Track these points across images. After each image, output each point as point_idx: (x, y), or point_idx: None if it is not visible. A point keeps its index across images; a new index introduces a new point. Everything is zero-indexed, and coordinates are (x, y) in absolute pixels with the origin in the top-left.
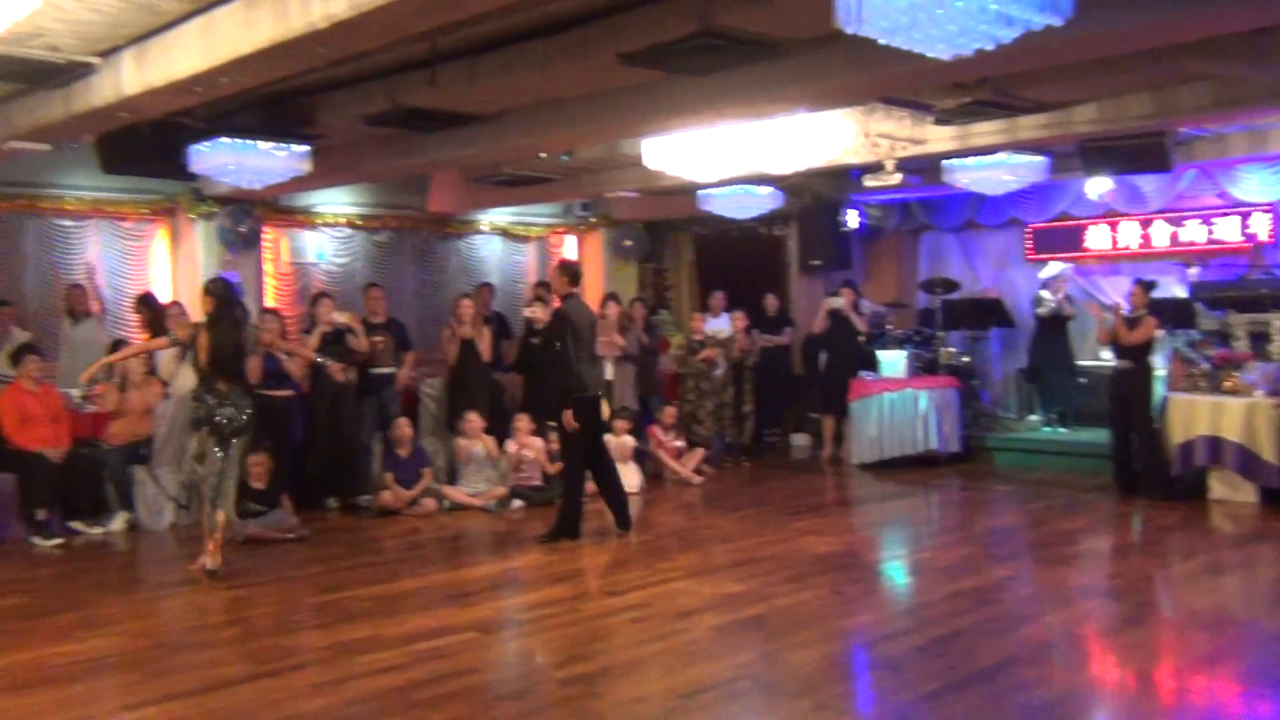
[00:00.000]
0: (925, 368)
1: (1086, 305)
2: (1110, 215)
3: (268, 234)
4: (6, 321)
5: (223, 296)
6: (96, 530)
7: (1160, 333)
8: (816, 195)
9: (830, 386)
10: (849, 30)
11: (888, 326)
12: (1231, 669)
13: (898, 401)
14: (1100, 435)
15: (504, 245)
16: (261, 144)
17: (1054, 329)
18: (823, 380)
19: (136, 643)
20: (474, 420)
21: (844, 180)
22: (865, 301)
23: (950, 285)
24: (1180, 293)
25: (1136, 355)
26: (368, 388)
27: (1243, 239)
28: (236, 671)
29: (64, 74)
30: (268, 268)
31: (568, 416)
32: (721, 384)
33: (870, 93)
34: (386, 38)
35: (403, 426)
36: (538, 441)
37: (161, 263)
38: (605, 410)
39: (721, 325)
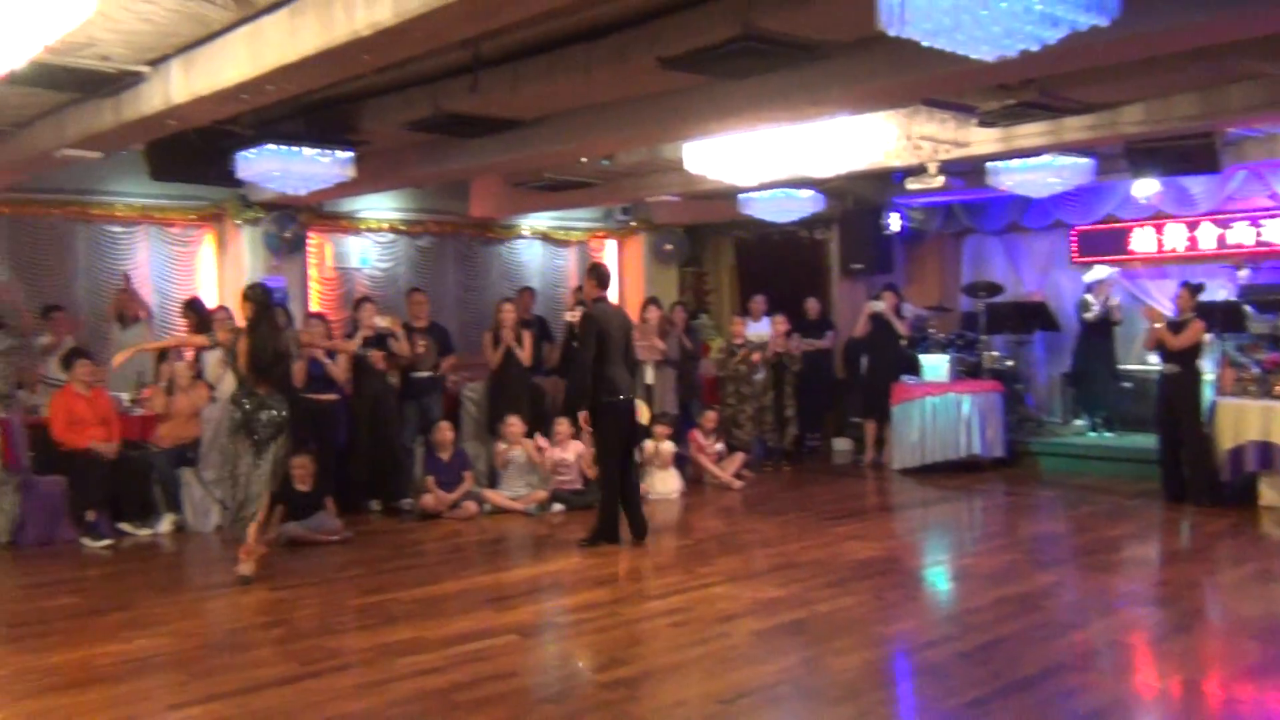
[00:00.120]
0: (968, 372)
1: (1144, 311)
2: (1157, 217)
3: (312, 239)
4: (58, 327)
5: (261, 302)
6: (144, 531)
7: (1208, 336)
8: (858, 198)
9: (872, 391)
10: (892, 32)
11: (930, 330)
12: None
13: (940, 406)
14: (1147, 440)
15: (545, 250)
16: (306, 150)
17: (1099, 333)
18: (864, 384)
19: (182, 643)
20: (515, 424)
21: (886, 183)
22: (907, 305)
23: (994, 289)
24: (1229, 296)
25: (1184, 359)
26: (410, 391)
27: None
28: (280, 672)
29: (114, 83)
30: (312, 273)
31: (583, 417)
32: (762, 388)
33: (913, 95)
34: (429, 44)
35: (444, 430)
36: (577, 445)
37: (208, 268)
38: (645, 415)
39: (762, 329)
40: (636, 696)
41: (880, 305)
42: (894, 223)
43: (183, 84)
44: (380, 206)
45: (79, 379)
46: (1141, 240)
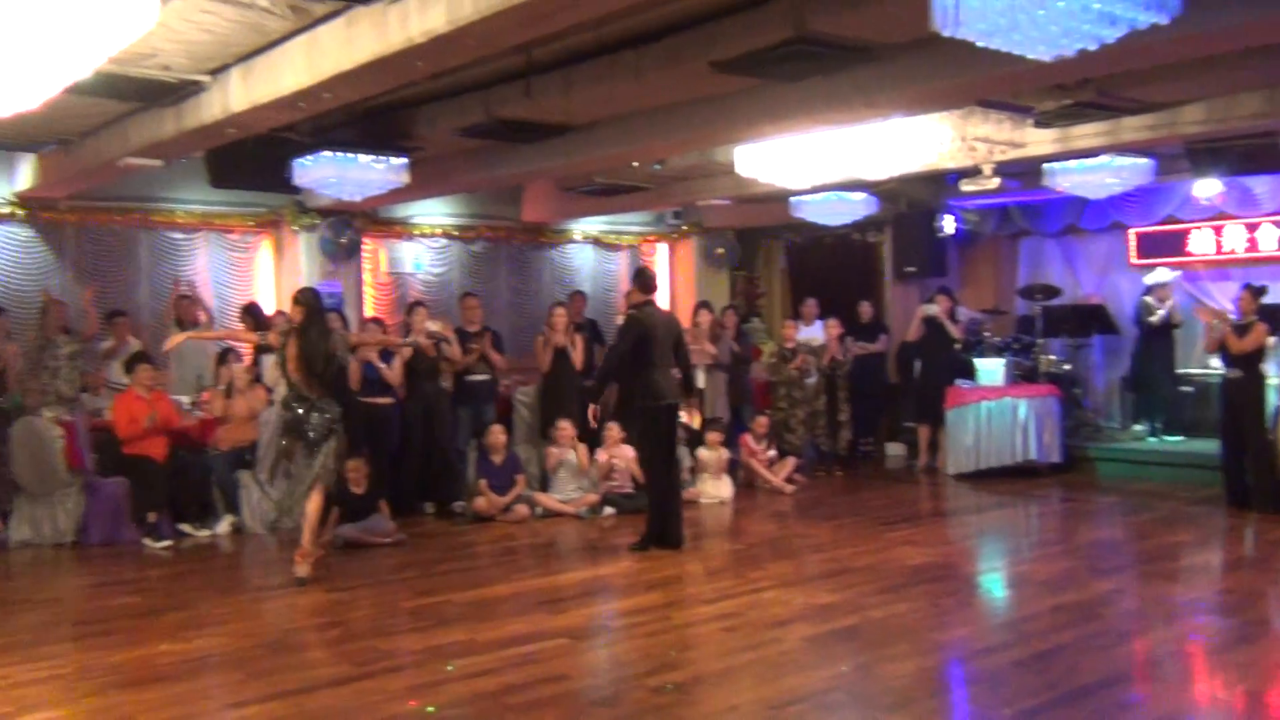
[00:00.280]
0: (1025, 376)
1: (1196, 311)
2: (1218, 218)
3: (367, 245)
4: (122, 332)
5: (312, 305)
6: (203, 533)
7: (1272, 340)
8: (912, 201)
9: (925, 395)
10: (946, 33)
11: (985, 334)
12: None
13: (995, 410)
14: (1208, 446)
15: (596, 254)
16: (362, 157)
17: (1159, 336)
18: (917, 388)
19: (240, 643)
20: (566, 427)
21: (940, 185)
22: (961, 309)
23: (1051, 291)
24: None
25: (1247, 363)
26: (463, 395)
27: None
28: (335, 673)
29: (175, 92)
30: (367, 278)
31: (592, 411)
32: (814, 392)
33: (968, 96)
34: (482, 51)
35: (496, 433)
36: (628, 449)
37: (266, 273)
38: (696, 420)
39: (814, 333)
40: (688, 701)
41: (934, 309)
42: (948, 225)
43: (242, 92)
44: (433, 212)
45: (140, 383)
46: (1200, 242)
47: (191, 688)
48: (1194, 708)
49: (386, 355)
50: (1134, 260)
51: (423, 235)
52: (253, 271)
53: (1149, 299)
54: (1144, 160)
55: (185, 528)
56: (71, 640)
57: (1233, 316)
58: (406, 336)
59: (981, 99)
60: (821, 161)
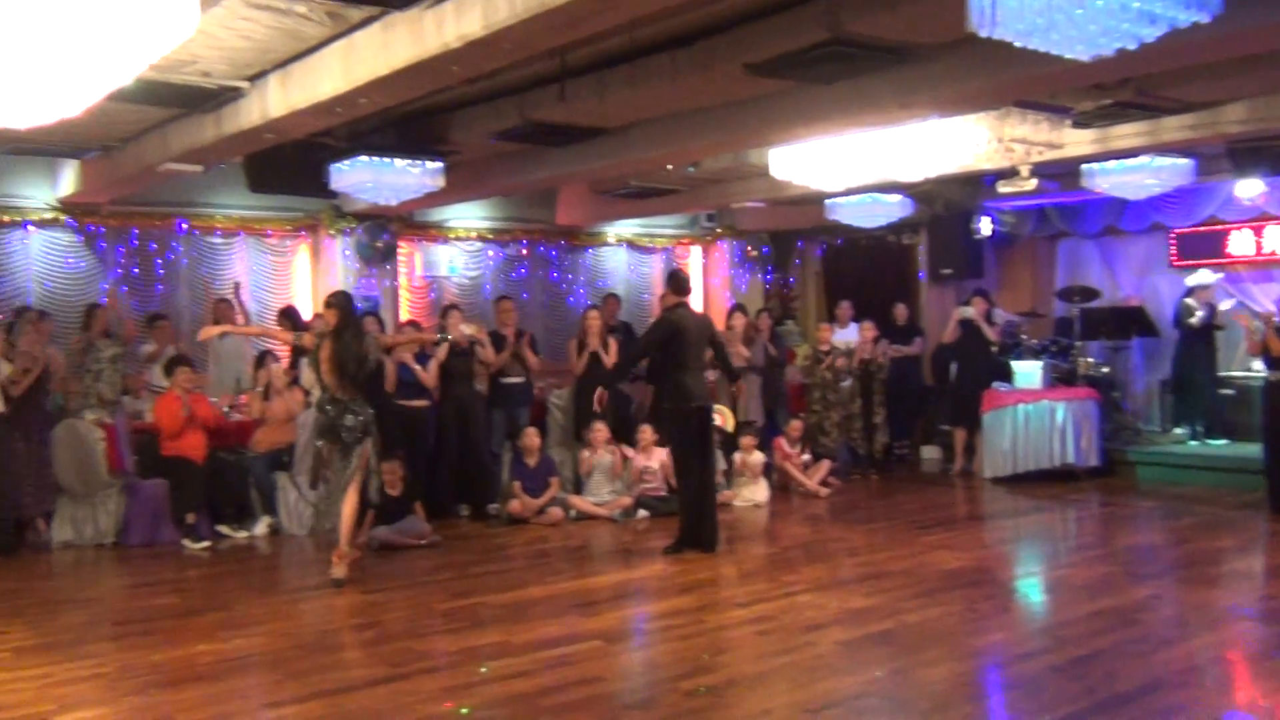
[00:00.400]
0: (1062, 378)
1: (1234, 315)
2: (1260, 219)
3: (403, 248)
4: (162, 335)
5: (345, 308)
6: (241, 534)
7: None
8: (948, 202)
9: (961, 398)
10: (983, 34)
11: (1022, 336)
12: None
13: (1033, 413)
14: (1251, 450)
15: (630, 256)
16: (397, 161)
17: (1200, 339)
18: (953, 391)
19: (277, 643)
20: (600, 430)
21: (977, 186)
22: (998, 311)
23: (1089, 293)
24: None
25: None
26: (497, 398)
27: None
28: (371, 674)
29: (215, 98)
30: (403, 281)
31: (599, 395)
32: (849, 395)
33: (1005, 97)
34: (518, 55)
35: (531, 436)
36: (662, 452)
37: (303, 277)
38: (730, 422)
39: (849, 335)
40: (721, 704)
41: (970, 311)
42: (985, 227)
43: (280, 98)
44: (468, 215)
45: (180, 385)
46: (1240, 243)
47: (230, 687)
48: (1235, 715)
49: (422, 358)
50: (1174, 262)
51: (458, 239)
52: (290, 275)
53: (1190, 301)
54: (1184, 160)
55: (223, 529)
56: (112, 640)
57: (1277, 319)
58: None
59: (1019, 100)
60: (856, 163)
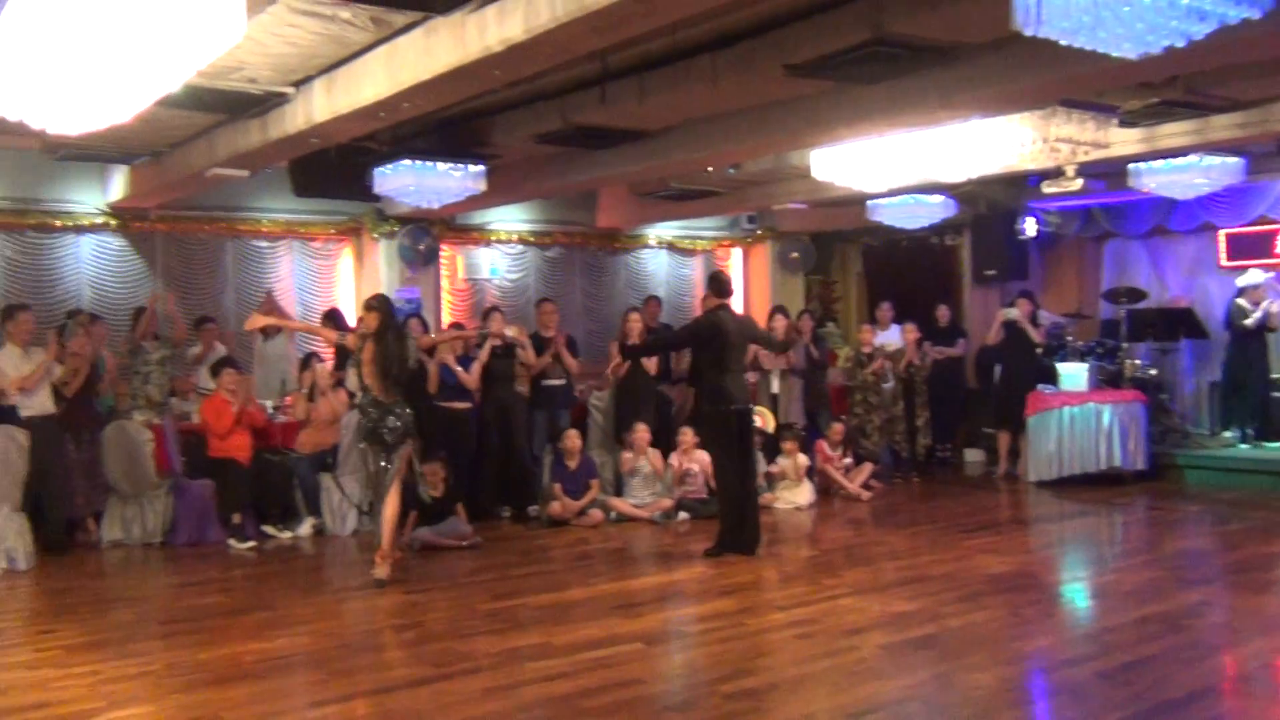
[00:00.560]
0: (1109, 381)
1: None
2: None
3: (445, 251)
4: (209, 338)
5: (385, 311)
6: (286, 534)
7: None
8: (991, 203)
9: (1005, 400)
10: (1028, 32)
11: (1067, 338)
12: None
13: (1078, 416)
14: None
15: (670, 259)
16: (439, 165)
17: (1253, 340)
18: (997, 394)
19: (321, 642)
20: (641, 432)
21: (1021, 187)
22: (1043, 312)
23: (1137, 294)
24: None
25: None
26: (539, 400)
27: None
28: (413, 674)
29: (261, 104)
30: (445, 284)
31: (615, 364)
32: (891, 398)
33: (1050, 96)
34: (559, 59)
35: (571, 438)
36: (702, 454)
37: (347, 280)
38: (771, 423)
39: (890, 337)
40: (762, 708)
41: (1014, 312)
42: (1029, 227)
43: (324, 103)
44: (510, 218)
45: (225, 387)
46: None
47: (275, 686)
48: None
49: (465, 360)
50: (1224, 262)
51: (499, 241)
52: (334, 278)
53: (1242, 301)
54: (1234, 159)
55: (268, 529)
56: (160, 638)
57: None
58: (483, 342)
59: (1064, 99)
60: (898, 164)
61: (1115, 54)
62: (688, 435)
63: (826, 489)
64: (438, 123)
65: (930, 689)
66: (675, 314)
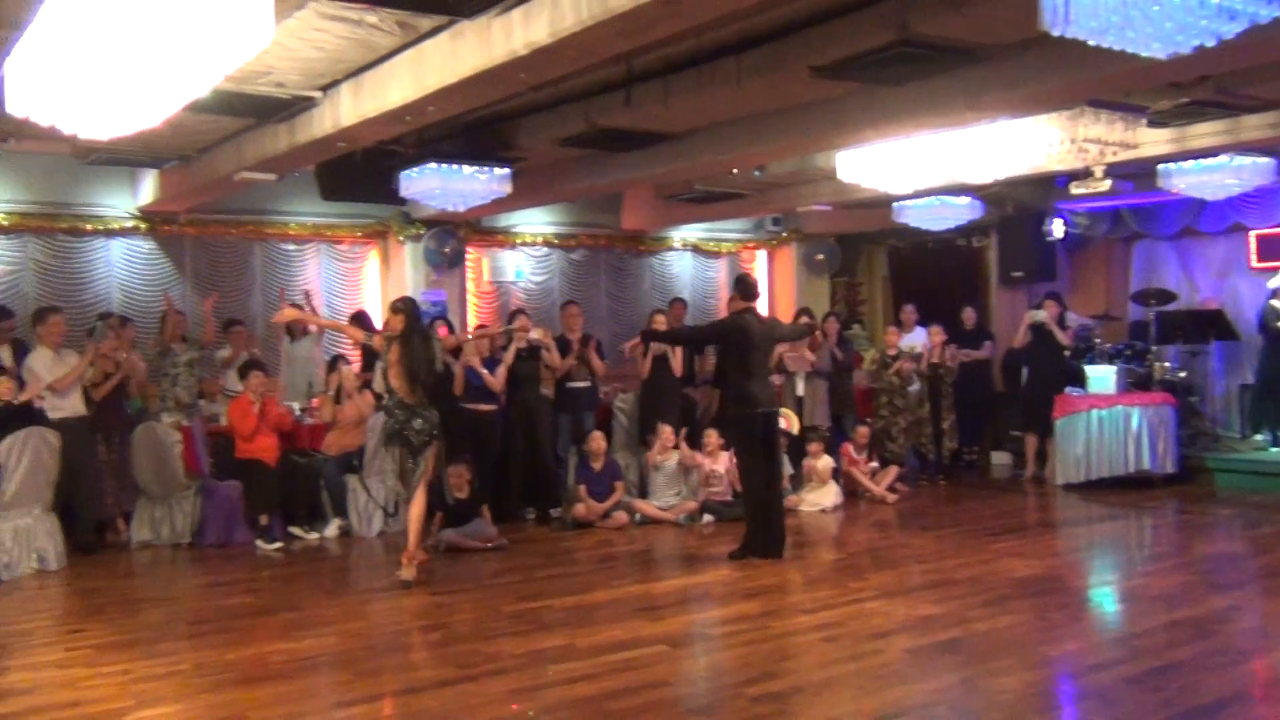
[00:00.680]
0: (1138, 383)
1: None
2: None
3: (470, 254)
4: (238, 340)
5: (410, 313)
6: (313, 536)
7: None
8: (1018, 204)
9: (1032, 403)
10: (1056, 32)
11: (1095, 340)
12: None
13: (1107, 419)
14: None
15: (695, 261)
16: (465, 168)
17: None
18: (1024, 397)
19: (347, 643)
20: (666, 434)
21: (1048, 188)
22: (1071, 314)
23: (1166, 296)
24: None
25: None
26: (564, 402)
27: None
28: (438, 675)
29: (288, 108)
30: (470, 286)
31: (633, 344)
32: (916, 400)
33: (1078, 96)
34: (584, 62)
35: (596, 440)
36: (727, 457)
37: (373, 283)
38: (795, 425)
39: (916, 339)
40: (786, 711)
41: (1042, 315)
42: (1057, 229)
43: (351, 107)
44: (534, 221)
45: (253, 389)
46: None
47: (302, 686)
48: None
49: (490, 363)
50: (1255, 263)
51: (524, 244)
52: (360, 281)
53: (1276, 303)
54: (1265, 160)
55: (295, 530)
56: (188, 638)
57: None
58: (508, 344)
59: (1092, 99)
60: (925, 165)
61: (1144, 54)
62: (713, 437)
63: (852, 492)
64: (463, 126)
65: (956, 693)
66: (700, 316)
